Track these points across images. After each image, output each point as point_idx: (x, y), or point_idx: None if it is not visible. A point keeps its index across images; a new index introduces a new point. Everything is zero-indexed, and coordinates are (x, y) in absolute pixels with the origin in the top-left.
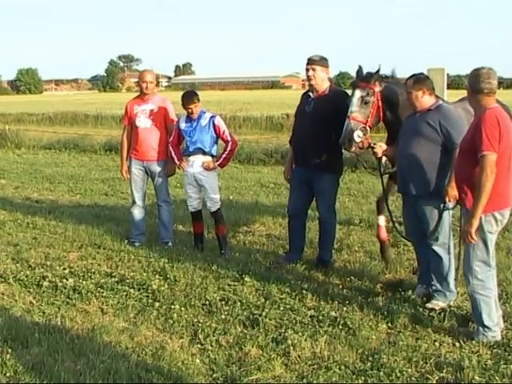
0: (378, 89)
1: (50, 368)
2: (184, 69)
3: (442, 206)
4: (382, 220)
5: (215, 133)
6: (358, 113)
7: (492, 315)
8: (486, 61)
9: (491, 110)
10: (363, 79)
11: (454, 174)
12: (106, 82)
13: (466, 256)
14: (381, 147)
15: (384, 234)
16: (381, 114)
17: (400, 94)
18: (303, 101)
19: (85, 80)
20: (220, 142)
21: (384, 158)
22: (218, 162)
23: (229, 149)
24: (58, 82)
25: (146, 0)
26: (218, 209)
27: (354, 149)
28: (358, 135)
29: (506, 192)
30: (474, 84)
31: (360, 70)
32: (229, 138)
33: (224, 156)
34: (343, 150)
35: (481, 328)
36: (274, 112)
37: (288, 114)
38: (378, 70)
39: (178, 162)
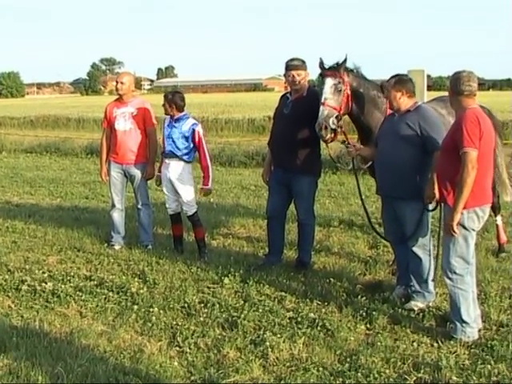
0: (347, 78)
1: (28, 372)
2: (166, 72)
3: (421, 207)
4: None
5: (193, 141)
6: (332, 100)
7: (470, 311)
8: (469, 63)
9: (471, 110)
10: (332, 68)
11: (436, 172)
12: (88, 85)
13: (445, 251)
14: (354, 146)
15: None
16: (349, 104)
17: (366, 87)
18: (281, 102)
19: (67, 83)
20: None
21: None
22: (207, 186)
23: (207, 166)
24: (39, 86)
25: (128, 3)
26: (195, 212)
27: (328, 136)
28: (332, 122)
29: (487, 188)
30: (455, 86)
31: (321, 62)
32: (205, 154)
33: (207, 177)
34: (323, 149)
35: (459, 324)
36: (256, 114)
37: (270, 117)
38: (345, 60)
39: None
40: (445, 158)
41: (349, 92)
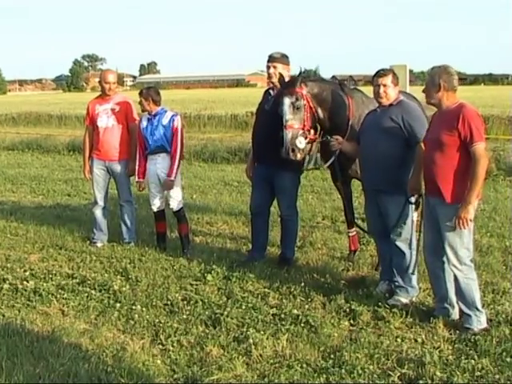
0: (305, 91)
1: (9, 372)
2: (149, 68)
3: (404, 200)
4: (353, 232)
5: (172, 130)
6: (293, 120)
7: (480, 298)
8: (451, 58)
9: (466, 104)
10: (288, 85)
11: (429, 168)
12: (71, 81)
13: (450, 245)
14: (337, 140)
15: (357, 245)
16: (315, 114)
17: (327, 89)
18: (264, 98)
19: (49, 80)
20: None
21: (318, 154)
22: (171, 177)
23: (177, 157)
24: (21, 83)
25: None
26: (181, 208)
27: (299, 156)
28: (299, 141)
29: None
30: (450, 82)
31: (281, 77)
32: (177, 144)
33: (174, 167)
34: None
35: (473, 314)
36: (239, 110)
37: (252, 112)
38: (300, 72)
39: (136, 167)
40: (441, 153)
41: (311, 104)
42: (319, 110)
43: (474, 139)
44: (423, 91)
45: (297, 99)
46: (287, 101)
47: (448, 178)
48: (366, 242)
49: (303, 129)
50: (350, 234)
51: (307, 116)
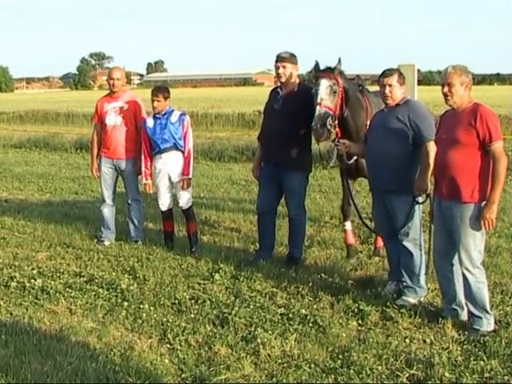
0: (340, 80)
1: (17, 370)
2: (156, 66)
3: (412, 200)
4: (348, 225)
5: (183, 130)
6: (328, 100)
7: (489, 300)
8: (459, 57)
9: (481, 103)
10: (327, 70)
11: (444, 167)
12: (78, 79)
13: (464, 247)
14: (344, 144)
15: (351, 240)
16: (343, 106)
17: (353, 89)
18: (272, 97)
19: (56, 78)
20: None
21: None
22: (187, 176)
23: (188, 157)
24: (29, 81)
25: None
26: (190, 206)
27: (325, 135)
28: (329, 122)
29: None
30: (470, 81)
31: (317, 64)
32: (190, 143)
33: (190, 165)
34: (313, 144)
35: (483, 317)
36: (246, 109)
37: (260, 111)
38: (340, 62)
39: (143, 168)
40: (459, 152)
41: (343, 94)
42: (344, 107)
43: (493, 138)
44: (445, 92)
45: (334, 84)
46: (325, 82)
47: (465, 178)
48: (374, 242)
49: (334, 112)
50: (346, 228)
51: (339, 103)
